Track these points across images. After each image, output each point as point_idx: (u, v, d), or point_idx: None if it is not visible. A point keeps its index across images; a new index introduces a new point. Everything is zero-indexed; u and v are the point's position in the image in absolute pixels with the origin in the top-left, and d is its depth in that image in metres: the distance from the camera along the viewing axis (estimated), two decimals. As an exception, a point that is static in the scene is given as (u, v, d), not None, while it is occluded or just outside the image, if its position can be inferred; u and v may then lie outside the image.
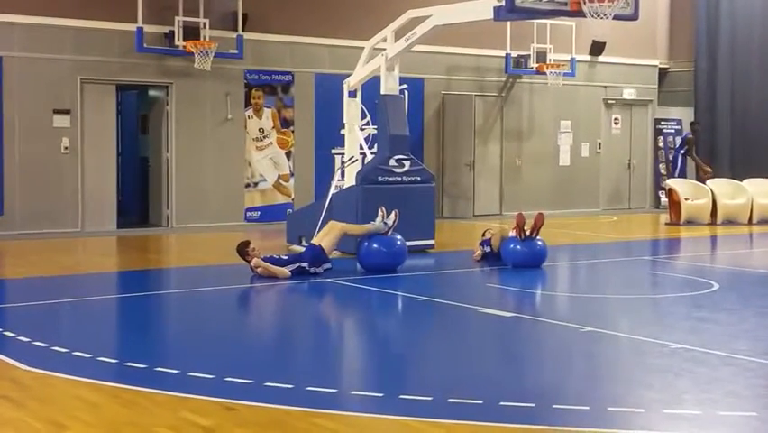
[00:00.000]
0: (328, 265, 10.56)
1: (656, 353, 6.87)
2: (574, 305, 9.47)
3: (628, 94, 21.34)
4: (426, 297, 9.34)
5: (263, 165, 16.93)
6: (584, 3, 11.28)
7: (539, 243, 11.42)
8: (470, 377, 6.24)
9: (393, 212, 10.90)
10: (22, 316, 8.39)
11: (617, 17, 11.59)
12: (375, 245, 10.83)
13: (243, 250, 10.41)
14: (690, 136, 19.74)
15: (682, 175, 19.48)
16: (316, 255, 10.48)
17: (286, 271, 10.23)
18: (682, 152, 19.71)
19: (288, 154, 17.19)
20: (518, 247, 11.33)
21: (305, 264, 10.39)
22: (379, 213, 10.92)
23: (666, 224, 17.78)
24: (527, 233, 11.33)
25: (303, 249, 10.92)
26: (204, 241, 14.66)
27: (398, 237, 10.98)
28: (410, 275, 10.78)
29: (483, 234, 12.01)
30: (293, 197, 17.10)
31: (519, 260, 11.28)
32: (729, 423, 5.17)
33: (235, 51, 16.18)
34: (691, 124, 20.39)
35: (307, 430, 4.97)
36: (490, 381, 6.19)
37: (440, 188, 17.99)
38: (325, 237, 10.69)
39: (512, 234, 11.46)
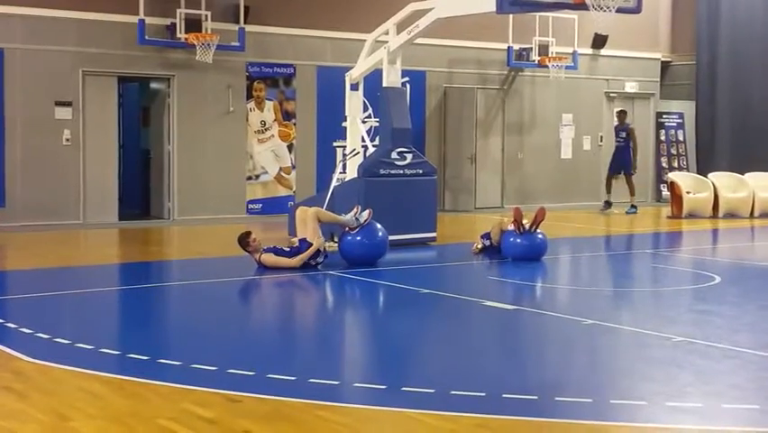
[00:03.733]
0: (325, 254, 10.56)
1: (659, 345, 6.87)
2: (576, 298, 9.47)
3: (630, 87, 21.30)
4: (428, 289, 9.34)
5: (265, 158, 16.93)
6: (587, -5, 11.26)
7: (539, 236, 11.41)
8: (473, 369, 6.24)
9: (367, 210, 10.85)
10: (25, 307, 8.39)
11: (620, 10, 11.57)
12: (358, 237, 10.77)
13: (245, 240, 10.44)
14: (632, 127, 19.05)
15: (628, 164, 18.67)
16: (308, 248, 10.46)
17: (293, 260, 10.24)
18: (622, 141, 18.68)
19: (290, 147, 17.17)
20: (518, 240, 11.31)
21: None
22: (354, 209, 10.88)
23: (668, 217, 17.77)
24: (527, 227, 11.32)
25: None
26: (205, 233, 14.66)
27: (380, 228, 10.91)
28: (412, 268, 10.78)
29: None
30: (294, 189, 17.09)
31: (519, 253, 11.27)
32: (732, 416, 5.17)
33: (237, 44, 16.16)
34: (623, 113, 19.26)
35: (310, 422, 4.97)
36: (493, 373, 6.19)
37: (441, 181, 17.96)
38: (305, 229, 10.57)
39: (510, 227, 11.42)
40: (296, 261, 10.28)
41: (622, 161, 18.63)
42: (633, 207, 18.46)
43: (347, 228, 10.79)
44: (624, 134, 18.65)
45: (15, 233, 13.95)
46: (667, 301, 9.14)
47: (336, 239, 11.37)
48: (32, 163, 14.84)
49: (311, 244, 10.43)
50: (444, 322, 8.07)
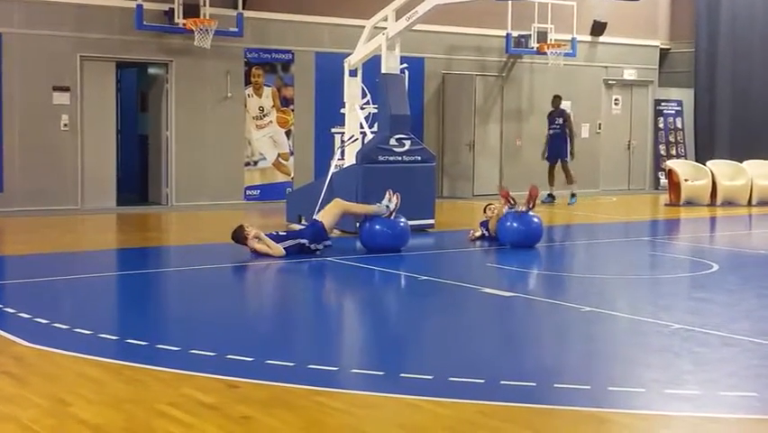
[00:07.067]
0: (328, 243, 10.55)
1: (656, 333, 6.89)
2: (574, 285, 9.48)
3: (629, 74, 21.30)
4: (427, 276, 9.34)
5: (263, 144, 16.91)
6: (586, -18, 11.24)
7: (535, 220, 11.37)
8: (472, 356, 6.25)
9: (395, 195, 10.85)
10: (23, 292, 8.39)
11: (619, -3, 11.55)
12: (378, 226, 10.80)
13: (240, 234, 10.34)
14: (569, 113, 18.29)
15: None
16: (317, 232, 10.46)
17: (281, 249, 10.19)
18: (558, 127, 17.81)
19: (288, 133, 17.16)
20: (514, 225, 11.25)
21: (304, 241, 10.36)
22: (386, 195, 10.86)
23: (666, 205, 17.79)
24: (522, 208, 11.24)
25: (302, 226, 10.89)
26: (203, 219, 14.65)
27: (401, 219, 10.95)
28: (410, 254, 10.78)
29: (485, 210, 12.01)
30: (292, 175, 17.08)
31: (514, 238, 11.23)
32: (729, 403, 5.19)
33: (235, 29, 16.12)
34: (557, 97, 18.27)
35: (309, 408, 4.98)
36: (491, 360, 6.20)
37: (440, 168, 17.95)
38: (327, 215, 10.66)
39: (505, 208, 11.38)
40: (275, 250, 10.20)
41: (558, 149, 17.77)
42: (573, 195, 17.63)
43: (381, 216, 10.77)
44: (561, 120, 17.80)
45: (13, 218, 13.94)
46: (665, 289, 9.15)
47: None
48: (30, 148, 14.82)
49: (320, 225, 10.43)
50: (442, 309, 8.08)
